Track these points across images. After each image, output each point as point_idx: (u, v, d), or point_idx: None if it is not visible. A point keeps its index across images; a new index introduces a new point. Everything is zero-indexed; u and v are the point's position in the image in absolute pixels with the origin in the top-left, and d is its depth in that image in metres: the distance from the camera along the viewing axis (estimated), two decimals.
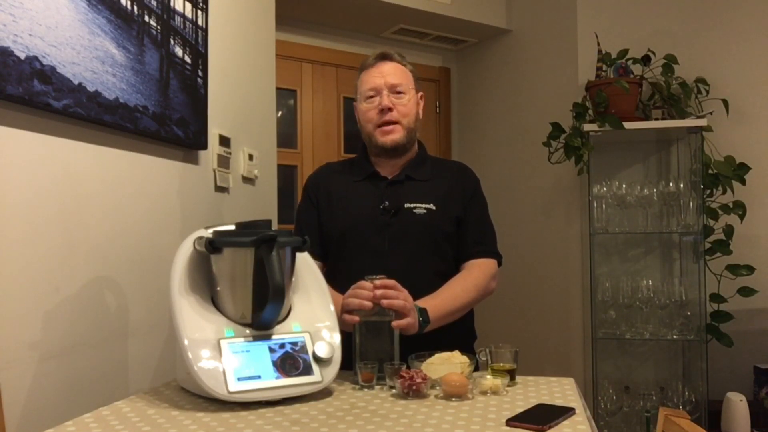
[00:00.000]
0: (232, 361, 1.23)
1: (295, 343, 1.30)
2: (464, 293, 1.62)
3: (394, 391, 1.31)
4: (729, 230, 2.75)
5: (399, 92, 1.69)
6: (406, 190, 1.70)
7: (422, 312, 1.49)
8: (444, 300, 1.57)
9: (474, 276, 1.66)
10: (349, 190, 1.73)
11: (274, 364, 1.26)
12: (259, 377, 1.23)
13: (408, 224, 1.65)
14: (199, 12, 1.93)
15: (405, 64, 1.74)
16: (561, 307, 3.21)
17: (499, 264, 1.74)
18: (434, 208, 1.67)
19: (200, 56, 1.92)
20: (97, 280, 1.51)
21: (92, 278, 1.49)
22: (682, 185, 2.82)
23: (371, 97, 1.69)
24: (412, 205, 1.67)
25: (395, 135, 1.68)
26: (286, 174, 3.14)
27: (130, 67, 1.57)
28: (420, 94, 1.77)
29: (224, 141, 2.13)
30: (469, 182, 1.78)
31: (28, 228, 1.31)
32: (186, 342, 1.22)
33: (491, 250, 1.74)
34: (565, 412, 1.16)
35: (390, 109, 1.67)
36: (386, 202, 1.67)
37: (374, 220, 1.66)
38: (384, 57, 1.72)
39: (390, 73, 1.69)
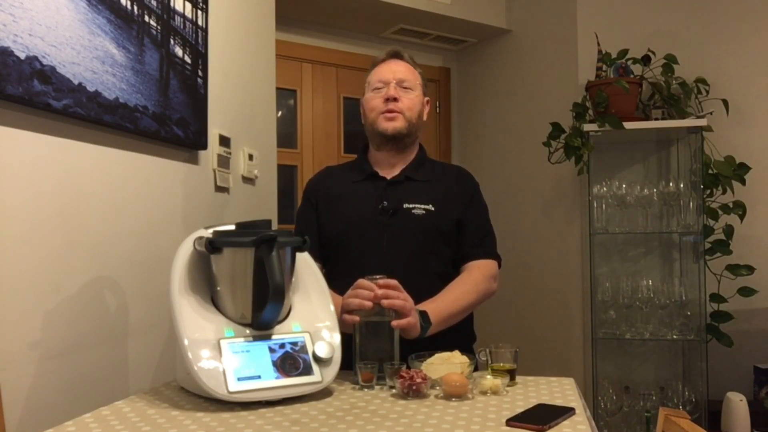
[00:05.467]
0: (232, 361, 1.23)
1: (295, 343, 1.30)
2: (464, 295, 1.62)
3: (394, 391, 1.31)
4: (729, 230, 2.75)
5: (406, 87, 1.72)
6: (405, 190, 1.70)
7: (423, 315, 1.49)
8: (444, 303, 1.57)
9: (473, 278, 1.66)
10: (349, 190, 1.74)
11: (274, 364, 1.26)
12: (259, 377, 1.23)
13: (406, 224, 1.65)
14: (199, 12, 1.93)
15: (415, 67, 1.78)
16: (561, 307, 3.21)
17: (499, 266, 1.74)
18: (433, 209, 1.68)
19: (200, 56, 1.93)
20: (97, 280, 1.51)
21: (92, 278, 1.49)
22: (682, 185, 2.82)
23: (379, 88, 1.72)
24: (410, 206, 1.67)
25: (397, 123, 1.70)
26: (286, 174, 3.14)
27: (130, 67, 1.57)
28: (426, 99, 1.80)
29: (224, 141, 2.13)
30: (468, 185, 1.79)
31: (29, 228, 1.31)
32: (186, 342, 1.22)
33: (491, 251, 1.74)
34: (565, 412, 1.16)
35: (395, 99, 1.70)
36: (385, 202, 1.67)
37: (373, 220, 1.66)
38: (396, 55, 1.77)
39: (399, 69, 1.74)
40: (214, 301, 1.32)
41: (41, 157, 1.35)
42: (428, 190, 1.71)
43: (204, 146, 1.96)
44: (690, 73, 2.85)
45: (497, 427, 1.09)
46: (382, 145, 1.73)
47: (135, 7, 1.60)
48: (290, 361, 1.27)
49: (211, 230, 1.36)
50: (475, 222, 1.74)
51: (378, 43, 3.47)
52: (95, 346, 1.50)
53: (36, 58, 1.28)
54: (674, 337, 2.81)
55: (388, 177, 1.73)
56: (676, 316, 2.82)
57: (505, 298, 3.21)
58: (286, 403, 1.24)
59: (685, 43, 2.97)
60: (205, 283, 1.33)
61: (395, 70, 1.73)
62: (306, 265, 1.45)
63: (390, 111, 1.69)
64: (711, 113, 2.79)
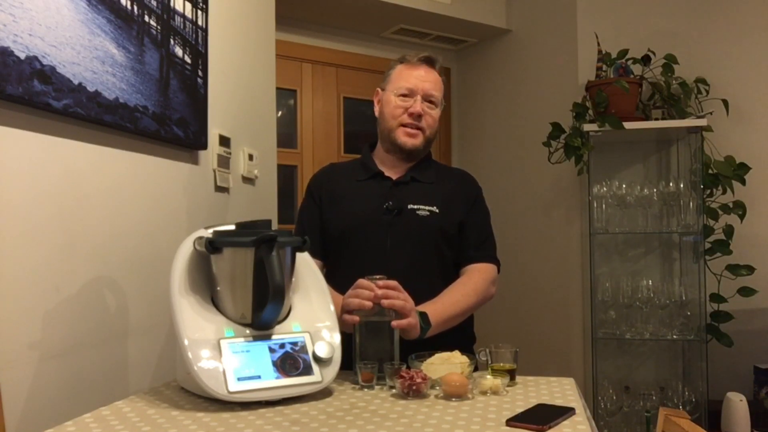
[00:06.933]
0: (232, 361, 1.23)
1: (295, 343, 1.30)
2: (465, 298, 1.62)
3: (394, 391, 1.31)
4: (729, 230, 2.74)
5: (432, 102, 1.71)
6: (411, 191, 1.70)
7: (423, 316, 1.49)
8: (444, 305, 1.57)
9: (474, 281, 1.66)
10: (353, 188, 1.74)
11: (274, 364, 1.26)
12: (259, 377, 1.23)
13: (411, 225, 1.65)
14: (199, 12, 1.93)
15: (442, 77, 1.77)
16: (561, 307, 3.21)
17: (498, 270, 1.74)
18: (437, 210, 1.68)
19: (200, 56, 1.92)
20: (97, 280, 1.51)
21: (92, 278, 1.49)
22: (682, 185, 2.82)
23: (405, 95, 1.70)
24: (415, 207, 1.67)
25: (416, 140, 1.70)
26: (286, 174, 3.14)
27: (130, 67, 1.57)
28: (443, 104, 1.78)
29: (224, 141, 2.13)
30: (472, 189, 1.79)
31: (29, 228, 1.31)
32: (186, 342, 1.22)
33: (491, 255, 1.74)
34: (565, 412, 1.16)
35: (420, 116, 1.68)
36: (390, 202, 1.67)
37: (377, 220, 1.66)
38: (429, 61, 1.74)
39: (429, 81, 1.71)
40: (214, 301, 1.32)
41: (41, 157, 1.35)
42: (433, 192, 1.71)
43: (204, 146, 1.96)
44: (690, 73, 2.85)
45: (497, 427, 1.09)
46: (394, 152, 1.73)
47: (135, 7, 1.60)
48: (290, 361, 1.27)
49: (211, 230, 1.36)
50: (476, 225, 1.74)
51: (378, 43, 3.47)
52: (95, 346, 1.50)
53: (36, 58, 1.28)
54: (674, 337, 2.81)
55: (394, 177, 1.73)
56: (676, 316, 2.82)
57: (505, 298, 3.21)
58: (286, 403, 1.24)
59: (685, 43, 2.97)
60: (205, 283, 1.33)
61: (425, 80, 1.70)
62: (306, 265, 1.45)
63: (413, 127, 1.69)
64: (711, 113, 2.79)
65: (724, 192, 2.76)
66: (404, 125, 1.69)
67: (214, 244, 1.29)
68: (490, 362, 1.42)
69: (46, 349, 1.35)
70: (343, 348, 1.36)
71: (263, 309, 1.26)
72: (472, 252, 1.71)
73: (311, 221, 1.74)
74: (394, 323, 1.42)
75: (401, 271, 1.52)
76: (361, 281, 1.45)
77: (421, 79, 1.70)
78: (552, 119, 2.92)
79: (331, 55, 3.34)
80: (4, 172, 1.26)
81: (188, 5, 1.86)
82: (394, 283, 1.45)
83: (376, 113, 1.77)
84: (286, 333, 1.31)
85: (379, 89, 1.78)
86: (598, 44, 2.90)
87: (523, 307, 3.37)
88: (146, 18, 1.65)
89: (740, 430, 2.55)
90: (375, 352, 1.41)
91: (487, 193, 1.83)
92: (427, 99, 1.70)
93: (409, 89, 1.69)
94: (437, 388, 1.31)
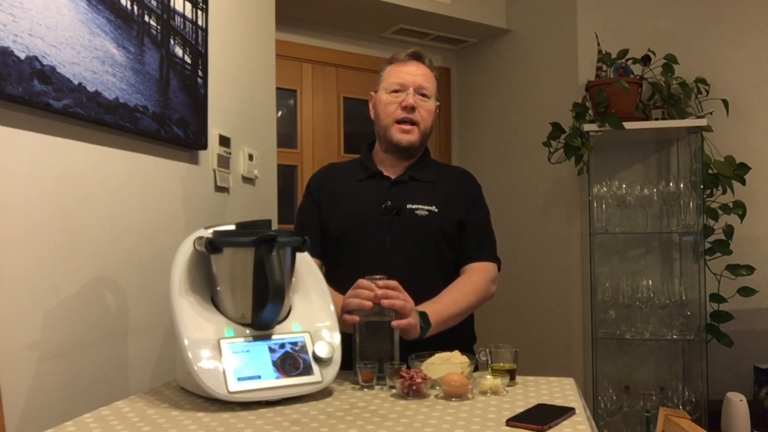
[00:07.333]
0: (232, 361, 1.23)
1: (295, 343, 1.30)
2: (465, 297, 1.61)
3: (394, 391, 1.31)
4: (729, 230, 2.74)
5: (424, 95, 1.71)
6: (410, 190, 1.70)
7: (423, 316, 1.49)
8: (444, 304, 1.57)
9: (474, 280, 1.66)
10: (352, 189, 1.74)
11: (274, 364, 1.26)
12: (259, 377, 1.23)
13: (409, 225, 1.65)
14: (199, 12, 1.93)
15: (433, 71, 1.76)
16: (561, 307, 3.21)
17: (498, 269, 1.74)
18: (436, 210, 1.68)
19: (200, 56, 1.93)
20: (97, 280, 1.51)
21: (92, 278, 1.49)
22: (682, 185, 2.82)
23: (396, 91, 1.69)
24: (414, 206, 1.67)
25: (412, 136, 1.69)
26: (286, 174, 3.14)
27: (130, 67, 1.57)
28: (438, 103, 1.78)
29: (224, 141, 2.13)
30: (471, 187, 1.79)
31: (29, 228, 1.31)
32: (186, 342, 1.22)
33: (491, 254, 1.74)
34: (565, 412, 1.16)
35: (413, 109, 1.68)
36: (389, 202, 1.67)
37: (376, 220, 1.66)
38: (417, 57, 1.73)
39: (419, 74, 1.71)
40: (214, 301, 1.32)
41: (41, 157, 1.35)
42: (432, 191, 1.71)
43: (204, 146, 1.96)
44: (690, 73, 2.85)
45: (497, 427, 1.09)
46: (392, 152, 1.73)
47: (135, 7, 1.60)
48: (290, 361, 1.27)
49: (211, 230, 1.36)
50: (476, 224, 1.74)
51: (378, 43, 3.47)
52: (95, 346, 1.50)
53: (36, 58, 1.28)
54: (674, 337, 2.81)
55: (393, 177, 1.73)
56: (676, 316, 2.82)
57: (505, 298, 3.21)
58: (286, 403, 1.24)
59: (685, 43, 2.97)
60: (205, 283, 1.33)
61: (415, 74, 1.70)
62: (306, 265, 1.45)
63: (406, 121, 1.68)
64: (711, 113, 2.79)
65: (724, 192, 2.76)
66: (398, 122, 1.69)
67: (214, 244, 1.29)
68: (490, 362, 1.42)
69: (46, 349, 1.35)
70: (343, 348, 1.36)
71: (263, 309, 1.26)
72: (472, 251, 1.71)
73: (310, 221, 1.74)
74: (394, 323, 1.42)
75: (401, 271, 1.52)
76: (361, 281, 1.45)
77: (411, 73, 1.71)
78: (552, 119, 2.92)
79: (331, 55, 3.34)
80: (4, 172, 1.26)
81: (188, 5, 1.86)
82: (394, 283, 1.45)
83: (372, 116, 1.78)
84: (286, 333, 1.31)
85: (372, 93, 1.79)
86: (598, 44, 2.90)
87: (523, 307, 3.37)
88: (146, 18, 1.65)
89: (740, 430, 2.55)
90: (375, 352, 1.41)
91: (487, 193, 1.83)
92: (419, 92, 1.70)
93: (400, 84, 1.69)
94: (437, 388, 1.31)
